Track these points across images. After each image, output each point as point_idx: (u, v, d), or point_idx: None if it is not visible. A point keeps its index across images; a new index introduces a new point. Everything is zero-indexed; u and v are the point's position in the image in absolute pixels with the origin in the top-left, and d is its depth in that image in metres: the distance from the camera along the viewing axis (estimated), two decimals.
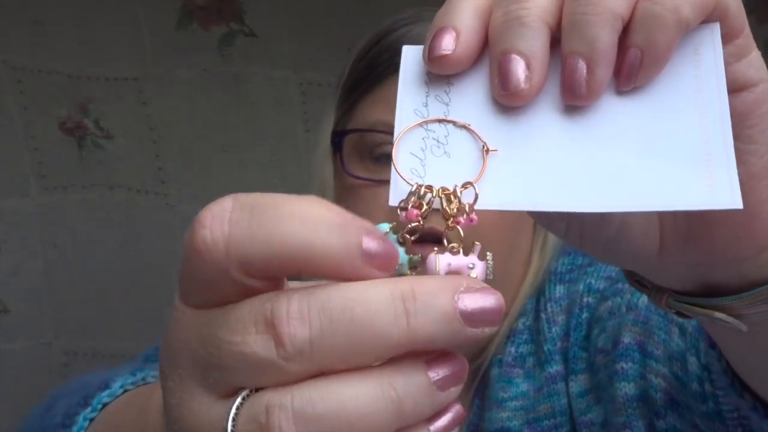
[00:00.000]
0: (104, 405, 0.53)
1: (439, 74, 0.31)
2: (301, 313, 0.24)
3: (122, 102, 1.34)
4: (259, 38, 1.31)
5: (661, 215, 0.35)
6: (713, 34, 0.30)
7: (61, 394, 0.61)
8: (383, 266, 0.25)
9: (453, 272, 0.27)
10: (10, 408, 1.39)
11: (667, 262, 0.36)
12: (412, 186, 0.29)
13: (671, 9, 0.29)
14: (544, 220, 0.37)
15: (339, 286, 0.25)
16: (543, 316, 0.73)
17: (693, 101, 0.30)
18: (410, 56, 0.32)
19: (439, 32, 0.30)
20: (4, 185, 1.35)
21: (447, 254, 0.28)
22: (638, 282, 0.40)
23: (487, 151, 0.29)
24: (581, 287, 0.72)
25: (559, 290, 0.74)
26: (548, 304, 0.73)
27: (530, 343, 0.73)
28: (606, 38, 0.29)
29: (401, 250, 0.27)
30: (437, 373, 0.25)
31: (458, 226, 0.28)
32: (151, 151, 1.37)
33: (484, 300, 0.25)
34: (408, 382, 0.25)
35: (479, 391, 0.74)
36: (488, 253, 0.28)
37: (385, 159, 0.70)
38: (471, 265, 0.27)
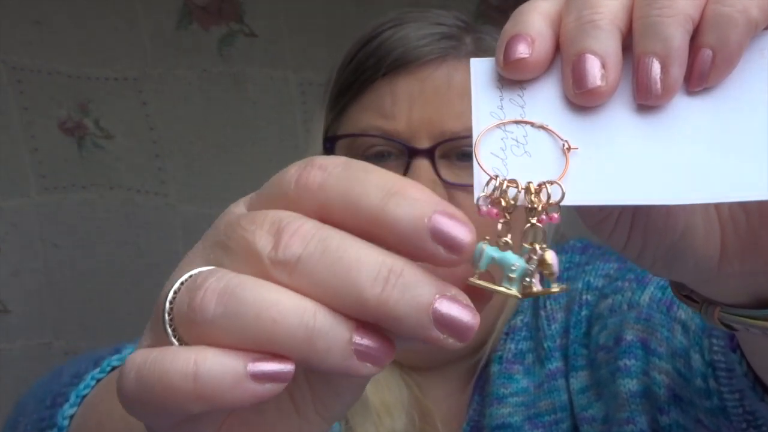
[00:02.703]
0: (113, 368, 0.55)
1: (513, 79, 0.32)
2: (305, 233, 0.26)
3: (122, 102, 1.34)
4: (259, 38, 1.31)
5: (723, 222, 0.36)
6: None
7: (69, 364, 0.61)
8: (451, 247, 0.26)
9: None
10: (11, 408, 1.39)
11: (725, 272, 0.36)
12: (495, 179, 0.30)
13: (741, 10, 0.30)
14: (604, 231, 0.36)
15: (348, 234, 0.27)
16: (542, 313, 0.73)
17: (763, 100, 0.31)
18: (479, 67, 0.33)
19: (513, 39, 0.31)
20: (4, 185, 1.35)
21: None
22: (687, 297, 0.40)
23: (569, 149, 0.30)
24: (580, 285, 0.73)
25: None
26: (547, 302, 0.74)
27: (529, 339, 0.74)
28: (680, 38, 0.30)
29: (509, 254, 0.28)
30: (361, 339, 0.26)
31: (541, 224, 0.29)
32: (151, 151, 1.37)
33: (461, 313, 0.26)
34: (331, 324, 0.26)
35: (478, 387, 0.74)
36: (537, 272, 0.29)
37: (376, 158, 0.70)
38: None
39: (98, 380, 0.54)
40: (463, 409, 0.75)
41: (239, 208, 0.30)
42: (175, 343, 0.27)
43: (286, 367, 0.26)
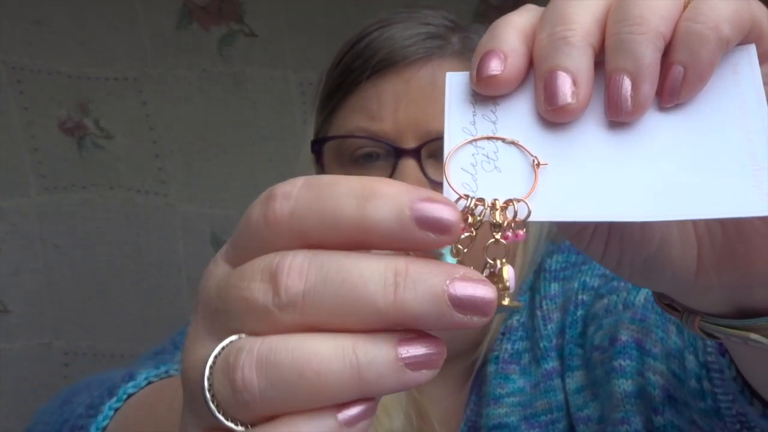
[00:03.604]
0: (129, 395, 0.54)
1: (486, 95, 0.32)
2: (301, 268, 0.26)
3: (122, 102, 1.34)
4: (259, 38, 1.31)
5: (699, 234, 0.36)
6: (750, 54, 0.32)
7: (76, 391, 0.61)
8: (439, 230, 0.26)
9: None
10: (11, 408, 1.40)
11: (703, 283, 0.36)
12: (466, 199, 0.30)
13: (712, 27, 0.30)
14: (582, 242, 0.37)
15: (342, 252, 0.26)
16: (538, 313, 0.74)
17: (735, 117, 0.31)
18: (454, 81, 0.33)
19: (487, 55, 0.31)
20: (4, 185, 1.36)
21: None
22: (669, 306, 0.40)
23: (538, 165, 0.31)
24: (576, 285, 0.73)
25: (554, 288, 0.75)
26: (543, 302, 0.74)
27: (525, 339, 0.74)
28: (650, 55, 0.30)
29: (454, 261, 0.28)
30: (407, 351, 0.26)
31: (505, 241, 0.29)
32: (151, 151, 1.37)
33: (476, 289, 0.26)
34: (373, 351, 0.25)
35: (475, 387, 0.74)
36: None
37: (364, 159, 0.70)
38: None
39: (116, 410, 0.54)
40: (460, 409, 0.76)
41: (219, 267, 0.29)
42: (230, 425, 0.26)
43: (368, 404, 0.26)
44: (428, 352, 0.26)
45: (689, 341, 0.58)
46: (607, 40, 0.31)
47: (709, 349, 0.54)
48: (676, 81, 0.30)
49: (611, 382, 0.64)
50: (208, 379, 0.26)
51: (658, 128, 0.31)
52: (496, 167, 0.31)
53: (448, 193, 0.30)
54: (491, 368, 0.73)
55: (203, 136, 1.36)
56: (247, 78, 1.33)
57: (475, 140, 0.31)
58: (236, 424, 0.26)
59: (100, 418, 0.53)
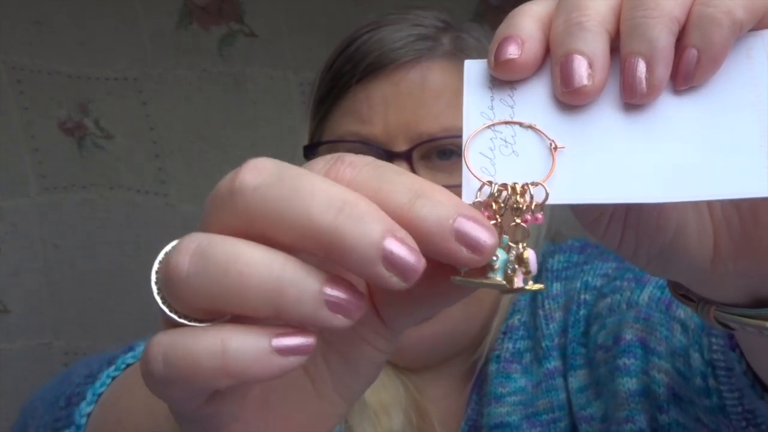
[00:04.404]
0: (128, 365, 0.55)
1: (504, 80, 0.33)
2: (263, 168, 0.28)
3: (122, 102, 1.34)
4: (259, 38, 1.31)
5: (716, 222, 0.36)
6: (764, 39, 0.32)
7: (75, 369, 0.62)
8: (473, 248, 0.27)
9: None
10: (11, 408, 1.39)
11: (719, 272, 0.36)
12: (489, 185, 0.30)
13: (725, 11, 0.30)
14: (598, 230, 0.37)
15: (306, 171, 0.28)
16: (540, 312, 0.74)
17: (749, 100, 0.31)
18: (472, 68, 0.34)
19: (504, 41, 0.32)
20: (4, 185, 1.35)
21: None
22: (684, 296, 0.41)
23: (555, 148, 0.31)
24: (578, 285, 0.73)
25: (556, 287, 0.75)
26: (545, 301, 0.74)
27: (527, 339, 0.74)
28: (665, 38, 0.31)
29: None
30: (332, 290, 0.27)
31: (525, 224, 0.30)
32: (151, 151, 1.37)
33: (408, 254, 0.26)
34: (300, 274, 0.26)
35: (476, 386, 0.75)
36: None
37: None
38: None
39: (114, 378, 0.55)
40: (461, 409, 0.76)
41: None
42: (166, 309, 0.28)
43: (308, 340, 0.27)
44: (351, 300, 0.27)
45: (694, 339, 0.58)
46: (622, 25, 0.31)
47: (715, 347, 0.54)
48: (690, 64, 0.31)
49: (615, 380, 0.64)
50: (157, 271, 0.29)
51: (672, 111, 0.32)
52: (513, 151, 0.32)
53: (469, 178, 0.31)
54: (492, 367, 0.73)
55: (203, 136, 1.36)
56: (247, 78, 1.33)
57: (493, 125, 0.32)
58: (164, 304, 0.28)
59: (97, 384, 0.54)
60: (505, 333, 0.75)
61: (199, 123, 1.35)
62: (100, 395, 0.54)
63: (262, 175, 0.27)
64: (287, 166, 0.28)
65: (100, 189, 1.38)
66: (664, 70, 0.31)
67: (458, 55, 0.71)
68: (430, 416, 0.74)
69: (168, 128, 1.36)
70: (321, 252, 0.27)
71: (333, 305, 0.26)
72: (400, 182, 0.28)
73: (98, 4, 1.29)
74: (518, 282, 0.29)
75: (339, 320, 0.27)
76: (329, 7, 1.28)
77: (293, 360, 0.27)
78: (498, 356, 0.74)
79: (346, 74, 0.72)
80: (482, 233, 0.27)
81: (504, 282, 0.29)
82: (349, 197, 0.27)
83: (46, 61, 1.32)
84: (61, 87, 1.33)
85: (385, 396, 0.72)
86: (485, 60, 0.33)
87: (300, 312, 0.26)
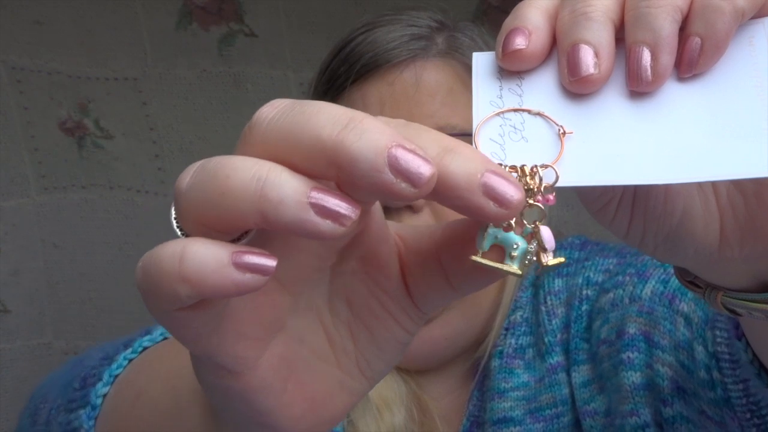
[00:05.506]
0: (144, 348, 0.56)
1: (512, 70, 0.33)
2: (280, 103, 0.28)
3: (122, 102, 1.34)
4: (259, 38, 1.31)
5: (721, 207, 0.37)
6: (766, 27, 0.33)
7: (91, 351, 0.62)
8: (501, 202, 0.27)
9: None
10: (11, 408, 1.39)
11: (726, 257, 0.37)
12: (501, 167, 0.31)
13: (727, 0, 0.31)
14: (606, 216, 0.37)
15: (319, 101, 0.28)
16: (543, 308, 0.74)
17: (751, 85, 0.32)
18: (480, 60, 0.34)
19: (512, 32, 0.33)
20: (4, 185, 1.35)
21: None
22: (691, 282, 0.41)
23: (564, 133, 0.32)
24: (580, 280, 0.74)
25: (558, 283, 0.75)
26: (548, 297, 0.75)
27: (530, 335, 0.75)
28: (668, 27, 0.31)
29: (512, 234, 0.30)
30: (317, 196, 0.26)
31: (538, 204, 0.30)
32: (151, 151, 1.37)
33: (416, 160, 0.26)
34: (285, 176, 0.26)
35: (479, 383, 0.75)
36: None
37: None
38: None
39: (130, 360, 0.55)
40: (463, 404, 0.76)
41: None
42: (177, 231, 0.29)
43: (269, 261, 0.26)
44: (340, 205, 0.26)
45: (698, 333, 0.58)
46: (627, 15, 0.32)
47: (719, 339, 0.55)
48: (693, 52, 0.32)
49: (619, 374, 0.64)
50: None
51: (677, 97, 0.32)
52: (523, 137, 0.32)
53: None
54: (495, 363, 0.74)
55: (203, 136, 1.36)
56: (247, 78, 1.33)
57: (503, 112, 0.33)
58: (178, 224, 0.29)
59: (114, 366, 0.54)
60: (507, 329, 0.75)
61: (199, 123, 1.35)
62: (116, 377, 0.54)
63: (278, 108, 0.28)
64: (304, 101, 0.28)
65: (100, 189, 1.38)
66: (668, 58, 0.32)
67: (452, 54, 0.72)
68: (431, 412, 0.75)
69: (168, 128, 1.36)
70: (332, 169, 0.26)
71: (319, 208, 0.26)
72: (429, 137, 0.28)
73: (98, 4, 1.30)
74: (545, 258, 0.30)
75: (328, 226, 0.26)
76: (329, 7, 1.28)
77: (250, 278, 0.26)
78: (501, 352, 0.74)
79: (341, 75, 0.72)
80: (509, 188, 0.27)
81: (520, 272, 0.30)
82: (356, 115, 0.26)
83: (46, 61, 1.32)
84: (61, 87, 1.33)
85: (386, 391, 0.73)
86: (493, 52, 0.34)
87: (283, 215, 0.26)
